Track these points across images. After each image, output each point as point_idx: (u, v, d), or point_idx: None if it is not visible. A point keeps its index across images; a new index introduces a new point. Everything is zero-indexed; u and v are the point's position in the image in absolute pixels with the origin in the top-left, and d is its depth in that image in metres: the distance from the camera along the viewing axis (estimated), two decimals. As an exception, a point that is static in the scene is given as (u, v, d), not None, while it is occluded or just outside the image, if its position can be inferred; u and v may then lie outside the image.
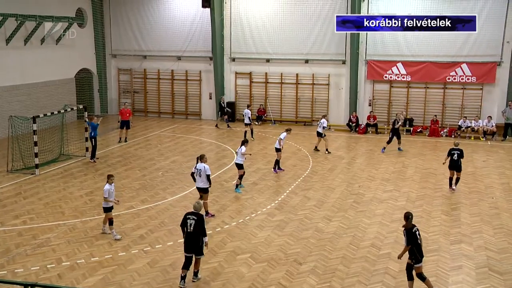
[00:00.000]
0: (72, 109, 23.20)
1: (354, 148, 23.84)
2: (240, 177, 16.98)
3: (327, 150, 22.32)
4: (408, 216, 10.51)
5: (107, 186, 13.06)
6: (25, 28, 25.09)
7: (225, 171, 19.52)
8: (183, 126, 28.29)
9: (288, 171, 19.31)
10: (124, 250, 12.46)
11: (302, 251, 12.47)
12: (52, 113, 20.67)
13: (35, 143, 18.57)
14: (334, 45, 27.95)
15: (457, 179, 17.15)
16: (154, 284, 10.88)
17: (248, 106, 25.47)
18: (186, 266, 10.78)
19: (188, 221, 10.79)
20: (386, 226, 14.16)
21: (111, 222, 13.14)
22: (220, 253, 12.36)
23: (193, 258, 10.83)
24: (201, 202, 11.61)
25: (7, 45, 24.57)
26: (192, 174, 14.55)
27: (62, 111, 21.26)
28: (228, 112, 28.51)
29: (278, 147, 19.11)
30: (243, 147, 16.76)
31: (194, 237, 10.71)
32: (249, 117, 24.21)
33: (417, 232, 10.45)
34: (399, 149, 22.82)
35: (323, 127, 22.08)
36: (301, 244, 12.91)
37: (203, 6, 28.00)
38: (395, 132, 22.60)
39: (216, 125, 28.36)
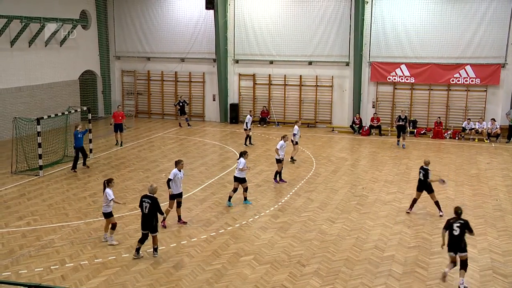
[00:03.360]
0: (76, 110, 23.24)
1: (358, 150, 23.81)
2: (245, 189, 15.93)
3: (290, 158, 21.00)
4: (457, 211, 10.99)
5: (110, 190, 12.80)
6: (29, 30, 25.19)
7: (228, 173, 19.51)
8: (186, 128, 28.29)
9: (291, 172, 19.28)
10: (127, 252, 12.46)
11: (306, 253, 12.45)
12: (56, 115, 20.71)
13: (39, 145, 18.61)
14: (337, 47, 27.94)
15: (436, 203, 14.94)
16: (157, 285, 10.89)
17: (250, 112, 24.75)
18: (141, 241, 12.18)
19: (144, 203, 12.09)
20: (390, 228, 14.12)
21: (114, 227, 13.00)
22: (223, 255, 12.35)
23: (150, 236, 12.04)
24: (154, 185, 12.46)
25: (11, 47, 24.68)
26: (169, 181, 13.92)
27: (66, 112, 21.29)
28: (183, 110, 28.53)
29: (277, 157, 17.92)
30: (241, 159, 15.39)
31: (149, 218, 12.02)
32: (246, 123, 23.70)
33: (454, 225, 10.78)
34: (402, 145, 23.43)
35: (294, 134, 20.79)
36: (304, 246, 12.90)
37: (207, 8, 28.05)
38: (400, 128, 23.29)
39: (180, 124, 28.60)
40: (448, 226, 10.88)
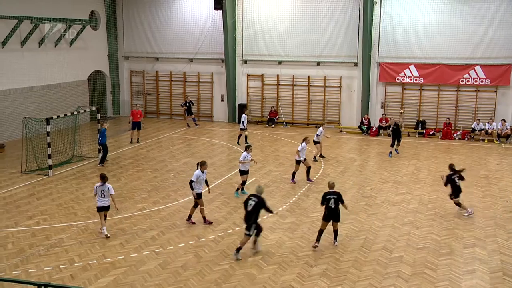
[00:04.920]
0: (85, 110, 23.37)
1: (366, 151, 23.74)
2: (243, 183, 16.56)
3: (319, 155, 21.57)
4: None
5: (110, 185, 13.37)
6: (39, 31, 25.35)
7: (237, 173, 19.49)
8: (195, 128, 28.35)
9: (300, 173, 19.20)
10: (136, 251, 12.51)
11: (314, 254, 12.43)
12: (66, 115, 20.84)
13: (49, 145, 18.73)
14: (346, 47, 27.87)
15: (335, 232, 12.90)
16: (166, 285, 10.91)
17: (244, 111, 24.72)
18: (258, 234, 12.55)
19: (249, 201, 12.40)
20: (398, 229, 14.07)
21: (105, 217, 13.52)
22: (231, 255, 12.35)
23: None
24: (262, 185, 13.34)
25: (22, 47, 24.85)
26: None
27: (75, 112, 21.42)
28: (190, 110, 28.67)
29: (297, 159, 18.05)
30: (244, 153, 16.33)
31: (251, 215, 12.30)
32: (242, 122, 23.77)
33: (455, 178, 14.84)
34: (396, 151, 22.52)
35: (317, 135, 21.22)
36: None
37: (215, 8, 28.09)
38: (395, 133, 22.32)
39: (188, 125, 28.66)
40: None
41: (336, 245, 12.74)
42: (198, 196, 14.15)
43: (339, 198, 12.59)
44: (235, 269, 11.65)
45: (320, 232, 12.73)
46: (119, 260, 12.03)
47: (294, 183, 18.15)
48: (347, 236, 13.56)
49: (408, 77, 27.00)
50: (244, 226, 12.43)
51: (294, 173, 18.35)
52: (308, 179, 18.30)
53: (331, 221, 12.65)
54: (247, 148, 16.53)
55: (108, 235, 13.27)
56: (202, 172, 14.12)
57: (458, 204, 15.21)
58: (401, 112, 25.16)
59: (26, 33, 24.61)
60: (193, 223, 14.34)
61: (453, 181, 15.11)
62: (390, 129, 22.74)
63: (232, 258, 12.15)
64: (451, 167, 15.41)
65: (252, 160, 16.45)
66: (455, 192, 15.16)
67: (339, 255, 12.39)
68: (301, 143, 18.16)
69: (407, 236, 13.53)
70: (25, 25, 24.18)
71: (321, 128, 21.35)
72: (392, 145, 22.40)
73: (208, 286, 10.91)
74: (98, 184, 13.27)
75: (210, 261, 12.03)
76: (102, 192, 13.17)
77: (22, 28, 24.15)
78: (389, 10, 26.88)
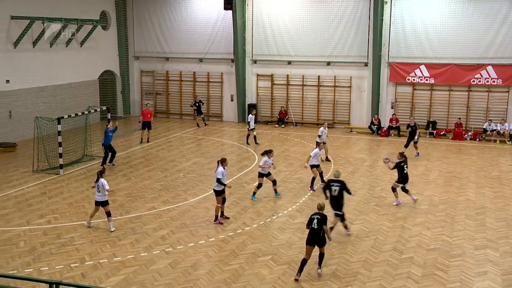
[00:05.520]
0: (95, 110, 23.50)
1: (376, 151, 23.64)
2: (259, 186, 16.29)
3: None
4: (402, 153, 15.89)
5: (105, 181, 13.63)
6: (50, 31, 25.51)
7: (246, 173, 19.54)
8: (204, 128, 28.40)
9: (310, 173, 19.15)
10: (146, 251, 12.55)
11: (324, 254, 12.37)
12: (76, 114, 20.96)
13: (60, 144, 18.85)
14: (356, 47, 27.79)
15: (320, 255, 11.52)
16: (176, 284, 10.94)
17: (251, 111, 24.59)
18: (342, 220, 13.31)
19: (332, 187, 13.18)
20: (409, 229, 13.99)
21: (110, 214, 13.72)
22: (241, 255, 12.37)
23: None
24: (340, 170, 14.14)
25: (33, 47, 25.04)
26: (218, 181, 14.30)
27: (86, 112, 21.54)
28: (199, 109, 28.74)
29: (314, 163, 17.38)
30: (263, 158, 16.05)
31: (338, 199, 13.18)
32: (248, 122, 23.83)
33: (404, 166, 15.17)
34: (417, 154, 22.27)
35: (319, 136, 20.85)
36: (322, 247, 12.83)
37: (225, 8, 28.13)
38: (410, 136, 22.19)
39: (197, 124, 28.69)
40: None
41: (319, 273, 11.31)
42: (217, 193, 14.27)
43: (323, 220, 11.12)
44: (244, 269, 11.66)
45: (303, 262, 11.20)
46: (129, 259, 12.08)
47: (314, 191, 17.38)
48: (357, 236, 13.51)
49: (419, 77, 26.85)
50: (333, 211, 13.25)
51: (313, 179, 17.54)
52: (311, 187, 17.48)
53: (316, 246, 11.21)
54: (269, 152, 16.06)
55: (111, 230, 13.51)
56: (224, 168, 14.26)
57: (406, 190, 15.86)
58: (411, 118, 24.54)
59: (37, 33, 24.80)
60: (227, 217, 14.62)
61: (402, 168, 15.72)
62: (409, 129, 22.40)
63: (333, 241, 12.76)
64: (402, 154, 16.19)
65: (272, 164, 16.30)
66: (403, 179, 15.78)
67: (349, 255, 12.35)
68: (315, 149, 17.67)
69: (418, 237, 13.46)
70: (36, 26, 24.37)
71: (322, 128, 21.03)
72: (406, 146, 22.19)
73: (218, 285, 10.92)
74: (95, 179, 13.72)
75: (220, 261, 12.05)
76: (98, 187, 13.55)
77: (34, 28, 24.34)
78: (399, 10, 26.76)
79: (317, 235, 11.11)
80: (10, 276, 8.59)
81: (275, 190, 16.66)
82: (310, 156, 17.34)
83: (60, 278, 10.96)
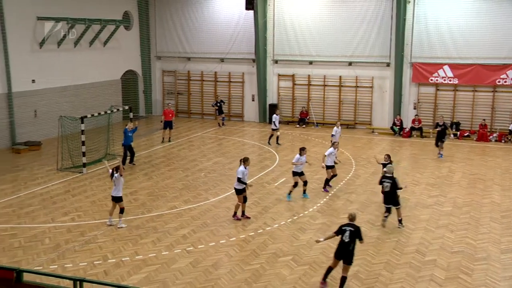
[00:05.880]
0: (118, 110, 23.73)
1: (399, 152, 23.40)
2: (294, 184, 16.12)
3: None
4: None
5: (119, 176, 13.92)
6: (75, 31, 25.87)
7: (267, 173, 19.54)
8: (225, 128, 28.48)
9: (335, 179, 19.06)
10: (167, 250, 12.64)
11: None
12: (99, 114, 21.20)
13: (83, 143, 19.10)
14: (378, 47, 27.55)
15: (342, 279, 10.67)
16: (197, 283, 10.99)
17: (276, 111, 24.67)
18: (388, 210, 13.88)
19: (384, 183, 13.79)
20: (432, 232, 13.82)
21: (123, 211, 14.02)
22: (262, 255, 12.37)
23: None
24: (392, 166, 14.47)
25: (58, 47, 25.42)
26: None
27: (109, 111, 21.77)
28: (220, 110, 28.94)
29: (328, 164, 17.13)
30: (297, 155, 15.99)
31: (391, 194, 13.72)
32: (273, 122, 23.71)
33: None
34: (440, 154, 22.00)
35: (332, 135, 20.95)
36: (343, 248, 12.76)
37: (247, 8, 28.15)
38: (439, 135, 21.96)
39: (219, 124, 28.81)
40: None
41: None
42: (238, 192, 14.33)
43: (357, 233, 10.45)
44: (265, 269, 11.65)
45: (329, 269, 10.78)
46: (151, 258, 12.18)
47: (327, 191, 17.29)
48: (379, 238, 13.40)
49: (442, 77, 26.50)
50: (385, 206, 14.07)
51: (326, 180, 17.40)
52: (324, 188, 17.33)
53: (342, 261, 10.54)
54: (302, 150, 15.99)
55: (118, 226, 13.84)
56: (245, 168, 14.27)
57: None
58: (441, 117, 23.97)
59: (62, 33, 25.16)
60: (248, 217, 14.70)
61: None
62: (438, 128, 22.10)
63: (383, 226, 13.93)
64: (389, 157, 16.39)
65: (306, 162, 16.24)
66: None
67: (370, 257, 12.25)
68: (329, 148, 17.57)
69: (441, 239, 13.29)
70: (61, 26, 24.71)
71: (335, 128, 20.97)
72: (436, 145, 21.99)
73: (239, 285, 10.94)
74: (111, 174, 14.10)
75: (240, 261, 12.07)
76: (114, 182, 13.95)
77: (59, 29, 24.68)
78: (423, 9, 26.44)
79: (346, 249, 10.39)
80: (36, 272, 8.75)
81: (304, 191, 16.53)
82: (325, 155, 17.16)
83: (83, 275, 11.10)
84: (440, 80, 26.57)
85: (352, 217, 10.71)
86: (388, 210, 14.00)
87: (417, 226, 14.26)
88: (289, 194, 16.33)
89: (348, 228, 10.45)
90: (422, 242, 13.12)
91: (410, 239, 13.32)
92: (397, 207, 14.07)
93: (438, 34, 26.32)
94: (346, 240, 10.37)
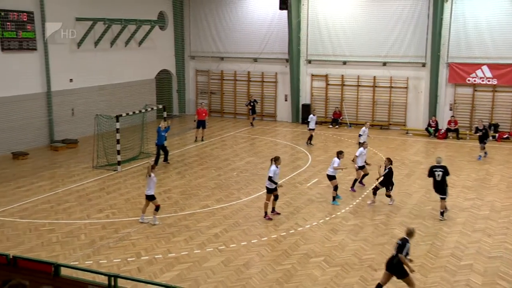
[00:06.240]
0: (152, 108, 24.05)
1: (433, 154, 22.90)
2: (335, 188, 15.99)
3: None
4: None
5: (154, 176, 14.19)
6: (111, 31, 26.37)
7: (300, 173, 19.47)
8: (258, 127, 28.53)
9: (367, 179, 18.85)
10: (199, 248, 12.74)
11: (377, 257, 12.17)
12: (134, 113, 21.53)
13: (118, 141, 19.42)
14: (413, 47, 27.10)
15: None
16: (228, 282, 11.03)
17: (313, 111, 24.70)
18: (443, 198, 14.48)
19: (435, 172, 14.37)
20: (468, 235, 13.51)
21: (158, 208, 14.20)
22: (293, 255, 12.33)
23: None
24: (440, 157, 15.17)
25: (95, 47, 25.96)
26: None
27: (143, 110, 22.07)
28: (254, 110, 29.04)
29: (360, 164, 17.25)
30: (336, 159, 15.81)
31: (441, 184, 14.46)
32: (309, 122, 23.67)
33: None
34: (479, 157, 21.52)
35: (360, 135, 20.72)
36: (376, 250, 12.62)
37: (281, 8, 28.12)
38: (480, 139, 21.46)
39: (251, 124, 28.84)
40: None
41: None
42: (268, 191, 14.36)
43: (400, 247, 9.97)
44: (297, 269, 11.61)
45: (378, 286, 10.29)
46: (183, 256, 12.29)
47: (355, 191, 17.25)
48: (413, 241, 13.14)
49: (480, 78, 25.86)
50: (437, 195, 14.70)
51: (355, 180, 17.44)
52: (352, 188, 17.24)
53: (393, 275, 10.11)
54: (341, 153, 15.92)
55: (152, 223, 14.08)
56: (277, 167, 14.28)
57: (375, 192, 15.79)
58: (479, 120, 23.33)
59: (99, 34, 25.68)
60: (278, 213, 14.84)
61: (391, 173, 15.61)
62: (478, 133, 21.56)
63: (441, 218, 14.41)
64: (390, 161, 15.89)
65: (341, 168, 16.13)
66: (389, 183, 15.68)
67: (404, 260, 12.04)
68: (359, 148, 17.58)
69: (478, 243, 12.97)
70: (98, 26, 25.24)
71: (364, 128, 20.77)
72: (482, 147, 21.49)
73: (270, 285, 10.93)
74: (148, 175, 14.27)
75: (272, 261, 12.06)
76: (148, 182, 14.16)
77: (96, 29, 25.21)
78: (461, 8, 25.86)
79: (394, 262, 10.02)
80: (73, 266, 8.95)
81: (335, 197, 16.20)
82: (356, 156, 17.31)
83: (117, 271, 11.29)
84: (478, 81, 25.94)
85: (410, 232, 10.25)
86: (443, 199, 14.67)
87: (453, 229, 13.96)
88: (334, 199, 16.02)
89: (397, 242, 10.20)
90: (457, 246, 12.83)
91: (445, 243, 13.05)
92: (443, 197, 14.53)
93: (477, 33, 25.68)
94: (394, 254, 10.15)
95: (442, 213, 14.57)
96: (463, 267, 11.68)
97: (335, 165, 15.77)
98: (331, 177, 15.93)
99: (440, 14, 25.78)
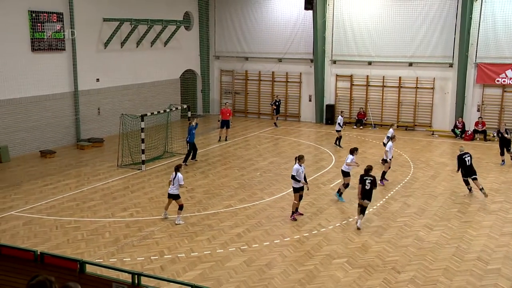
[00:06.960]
0: (176, 108, 24.23)
1: (460, 155, 22.54)
2: (346, 185, 16.23)
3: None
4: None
5: (181, 175, 14.30)
6: (137, 32, 26.68)
7: (323, 173, 19.38)
8: (282, 128, 28.49)
9: (388, 176, 18.69)
10: (222, 247, 12.78)
11: (401, 259, 12.03)
12: (158, 112, 21.72)
13: (142, 140, 19.62)
14: (440, 48, 26.70)
15: None
16: (250, 282, 11.05)
17: (341, 113, 24.49)
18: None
19: (465, 158, 16.28)
20: (495, 239, 13.24)
21: (181, 207, 14.35)
22: (316, 256, 12.27)
23: None
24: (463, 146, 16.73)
25: (121, 47, 26.29)
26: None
27: (168, 110, 22.27)
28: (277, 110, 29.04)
29: (384, 158, 18.29)
30: (349, 155, 16.14)
31: (471, 168, 16.58)
32: (338, 123, 23.49)
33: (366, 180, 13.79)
34: (502, 162, 20.85)
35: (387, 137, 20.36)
36: (400, 252, 12.47)
37: (306, 8, 28.02)
38: (502, 144, 20.85)
39: (275, 124, 28.78)
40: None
41: None
42: (295, 190, 14.39)
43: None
44: (319, 270, 11.56)
45: None
46: (205, 255, 12.35)
47: (383, 185, 17.70)
48: (437, 243, 12.98)
49: (510, 78, 25.32)
50: (465, 178, 16.61)
51: (383, 173, 18.04)
52: (381, 181, 17.66)
53: None
54: (355, 150, 16.32)
55: (176, 222, 14.19)
56: (300, 166, 14.27)
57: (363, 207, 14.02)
58: (502, 124, 22.79)
59: (125, 34, 26.01)
60: (301, 214, 14.85)
61: (364, 182, 13.83)
62: (499, 135, 21.01)
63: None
64: (369, 168, 14.11)
65: (356, 163, 16.37)
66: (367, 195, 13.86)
67: (428, 262, 11.89)
68: (388, 142, 18.20)
69: (506, 247, 12.70)
70: (124, 27, 25.56)
71: (391, 130, 20.55)
72: (501, 154, 20.82)
73: (293, 285, 10.90)
74: (173, 173, 14.38)
75: (294, 261, 12.03)
76: (173, 181, 14.24)
77: (122, 29, 25.54)
78: (490, 7, 25.35)
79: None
80: (97, 264, 9.07)
81: (342, 193, 16.38)
82: (387, 151, 17.82)
83: (141, 269, 11.41)
84: (507, 81, 25.41)
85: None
86: (475, 179, 16.43)
87: (479, 232, 13.70)
88: (341, 195, 16.29)
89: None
90: (484, 250, 12.59)
91: (472, 246, 12.82)
92: (476, 177, 16.41)
93: (507, 33, 25.15)
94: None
95: (482, 189, 16.15)
96: (490, 271, 11.46)
97: (348, 161, 16.04)
98: (345, 173, 16.22)
99: (469, 14, 25.33)
